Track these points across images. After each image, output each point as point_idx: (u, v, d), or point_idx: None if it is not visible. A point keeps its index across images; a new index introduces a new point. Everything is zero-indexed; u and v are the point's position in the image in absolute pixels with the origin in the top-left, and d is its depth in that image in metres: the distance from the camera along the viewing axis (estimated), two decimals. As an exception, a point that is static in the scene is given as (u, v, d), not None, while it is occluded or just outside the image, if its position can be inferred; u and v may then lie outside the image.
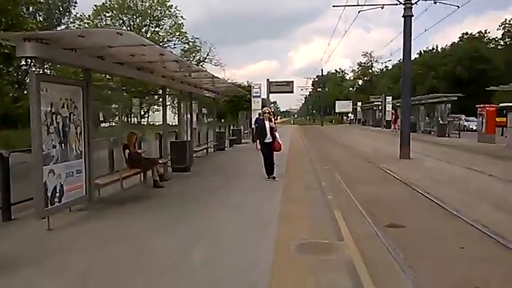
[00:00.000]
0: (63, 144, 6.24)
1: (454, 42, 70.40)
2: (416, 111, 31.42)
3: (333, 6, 18.17)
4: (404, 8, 15.04)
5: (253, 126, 19.16)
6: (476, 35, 69.70)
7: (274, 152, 10.37)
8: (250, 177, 10.87)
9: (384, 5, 15.99)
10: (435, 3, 15.27)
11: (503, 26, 61.85)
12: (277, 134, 10.41)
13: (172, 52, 14.62)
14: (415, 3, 15.00)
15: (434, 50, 71.02)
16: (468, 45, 64.67)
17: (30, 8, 50.34)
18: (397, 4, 15.25)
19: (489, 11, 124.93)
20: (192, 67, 11.72)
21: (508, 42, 60.89)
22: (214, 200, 8.07)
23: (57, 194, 6.11)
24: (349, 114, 65.85)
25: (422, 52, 71.29)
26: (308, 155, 16.53)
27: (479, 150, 17.59)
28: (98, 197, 7.95)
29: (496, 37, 64.90)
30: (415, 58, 76.59)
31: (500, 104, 26.17)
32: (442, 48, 71.56)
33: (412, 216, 7.06)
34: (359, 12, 17.05)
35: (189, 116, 13.47)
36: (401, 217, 6.97)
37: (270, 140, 10.22)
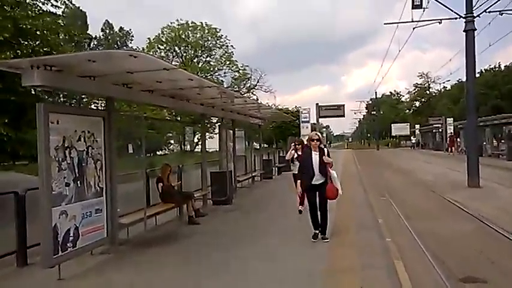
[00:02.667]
0: (78, 182, 5.60)
1: (522, 58, 65.69)
2: (481, 133, 28.78)
3: (385, 23, 17.30)
4: (465, 22, 13.54)
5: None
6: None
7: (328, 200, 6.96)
8: (296, 211, 9.77)
9: (441, 19, 14.56)
10: (501, 14, 13.65)
11: None
12: (333, 173, 6.89)
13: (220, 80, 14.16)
14: (478, 15, 13.48)
15: (496, 69, 66.50)
16: (537, 60, 59.96)
17: (91, 44, 53.66)
18: (456, 18, 13.79)
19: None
20: (232, 93, 11.01)
21: None
22: (250, 244, 7.00)
23: (71, 238, 5.44)
24: (412, 138, 62.41)
25: (483, 71, 66.94)
26: (362, 184, 15.12)
27: None
28: (127, 237, 7.28)
29: None
30: (476, 78, 71.90)
31: None
32: (505, 66, 66.91)
33: (494, 267, 5.62)
34: (414, 29, 15.57)
35: (231, 143, 12.71)
36: (479, 267, 5.58)
37: (321, 181, 6.82)
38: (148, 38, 53.51)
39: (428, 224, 8.26)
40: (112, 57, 5.66)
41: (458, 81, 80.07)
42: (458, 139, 38.56)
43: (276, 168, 20.64)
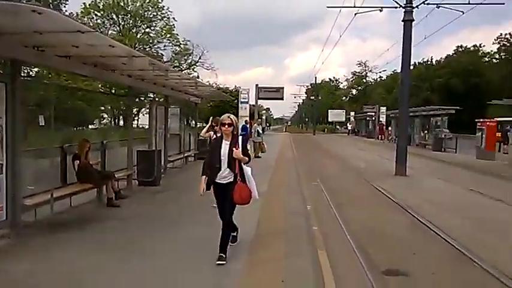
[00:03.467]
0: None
1: (449, 55, 69.95)
2: (411, 123, 30.22)
3: (327, 7, 16.93)
4: (404, 12, 13.80)
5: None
6: (471, 48, 69.33)
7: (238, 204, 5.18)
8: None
9: (382, 7, 14.81)
10: (438, 7, 14.07)
11: (498, 40, 61.33)
12: (247, 170, 5.24)
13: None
14: (417, 7, 13.78)
15: (428, 62, 70.34)
16: (463, 58, 64.18)
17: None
18: (396, 7, 14.02)
19: (483, 26, 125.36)
20: (165, 66, 10.25)
21: (503, 57, 60.30)
22: (173, 230, 6.52)
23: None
24: (348, 124, 64.49)
25: (417, 64, 70.52)
26: (296, 168, 15.13)
27: (481, 168, 16.34)
28: (34, 220, 6.49)
29: (492, 50, 64.48)
30: (410, 69, 75.73)
31: (500, 119, 25.04)
32: (436, 60, 71.04)
33: (416, 259, 5.64)
34: (355, 14, 15.66)
35: (163, 121, 12.01)
36: (402, 259, 5.58)
37: (229, 180, 5.13)
38: (84, 3, 49.85)
39: (356, 212, 8.31)
40: (19, 12, 4.77)
41: (393, 72, 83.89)
42: (389, 128, 40.39)
43: (212, 149, 20.18)
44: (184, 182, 11.50)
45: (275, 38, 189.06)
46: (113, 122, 53.83)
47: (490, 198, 10.28)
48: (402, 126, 15.04)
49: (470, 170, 16.41)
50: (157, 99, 15.26)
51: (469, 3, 13.64)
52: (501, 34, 61.79)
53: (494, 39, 63.19)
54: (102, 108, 49.63)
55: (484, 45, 69.18)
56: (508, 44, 58.45)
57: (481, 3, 14.06)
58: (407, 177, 13.80)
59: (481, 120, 21.64)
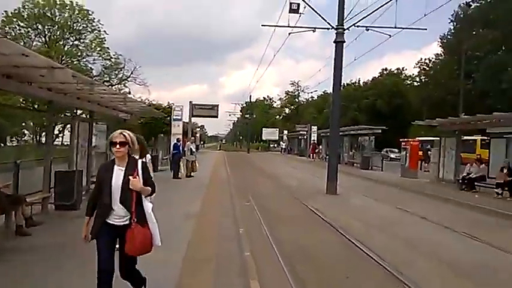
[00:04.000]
0: None
1: (375, 77, 74.43)
2: (340, 142, 31.33)
3: (262, 25, 17.14)
4: (336, 33, 14.27)
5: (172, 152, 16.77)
6: (395, 71, 74.46)
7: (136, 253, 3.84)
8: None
9: (315, 28, 15.18)
10: (367, 30, 14.72)
11: (419, 64, 66.37)
12: (148, 207, 3.87)
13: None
14: (347, 28, 14.29)
15: (356, 84, 74.24)
16: (388, 80, 68.55)
17: None
18: (328, 28, 14.45)
19: (405, 51, 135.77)
20: (90, 80, 9.53)
21: (423, 80, 65.23)
22: (88, 260, 5.80)
23: None
24: (281, 143, 65.55)
25: (345, 85, 74.14)
26: (229, 187, 14.82)
27: (405, 186, 17.16)
28: None
29: (413, 74, 69.62)
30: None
31: (421, 138, 26.76)
32: (364, 82, 75.30)
33: (350, 283, 5.54)
34: (289, 34, 15.92)
35: (86, 138, 11.15)
36: (336, 283, 5.46)
37: (125, 221, 3.76)
38: (5, 11, 46.41)
39: (289, 233, 8.17)
40: None
41: (323, 92, 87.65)
42: (320, 146, 41.65)
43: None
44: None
45: (211, 56, 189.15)
46: (35, 139, 50.16)
47: (415, 216, 10.69)
48: (333, 145, 15.40)
49: (396, 188, 17.17)
50: (84, 115, 14.31)
51: (395, 27, 14.46)
52: (421, 59, 67.04)
53: (415, 63, 68.41)
54: (24, 124, 46.10)
55: (406, 69, 74.81)
56: (427, 68, 63.37)
57: (407, 28, 14.98)
58: (337, 196, 14.06)
59: (405, 139, 22.93)
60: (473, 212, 11.47)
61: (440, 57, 61.35)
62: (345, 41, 14.47)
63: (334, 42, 14.41)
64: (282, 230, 8.41)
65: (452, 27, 54.69)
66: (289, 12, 14.98)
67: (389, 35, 15.19)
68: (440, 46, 60.09)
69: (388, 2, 14.37)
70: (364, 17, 14.71)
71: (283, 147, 56.90)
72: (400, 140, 23.36)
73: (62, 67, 7.48)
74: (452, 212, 11.67)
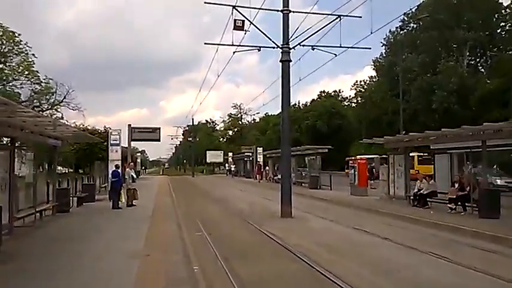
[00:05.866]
0: None
1: (314, 100, 76.37)
2: (288, 162, 31.04)
3: (205, 43, 16.72)
4: (282, 53, 13.82)
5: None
6: (332, 93, 77.04)
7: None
8: (94, 260, 7.52)
9: (260, 47, 14.63)
10: (313, 49, 14.41)
11: (355, 86, 69.07)
12: None
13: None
14: (293, 47, 13.91)
15: (296, 105, 75.60)
16: (327, 102, 70.60)
17: None
18: (274, 47, 13.97)
19: (340, 75, 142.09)
20: (6, 100, 8.03)
21: (359, 101, 67.81)
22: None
23: None
24: (226, 165, 64.27)
25: (287, 107, 75.14)
26: (177, 218, 13.56)
27: (358, 205, 16.79)
28: None
29: (350, 95, 72.34)
30: (280, 113, 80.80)
31: (366, 156, 27.08)
32: (303, 104, 76.98)
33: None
34: (234, 53, 15.27)
35: (6, 169, 9.55)
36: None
37: None
38: None
39: (250, 268, 7.23)
40: None
41: (265, 114, 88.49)
42: (267, 167, 41.17)
43: (76, 199, 17.40)
44: (36, 245, 9.14)
45: (150, 80, 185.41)
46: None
47: (376, 237, 10.17)
48: (285, 164, 14.70)
49: (349, 207, 16.76)
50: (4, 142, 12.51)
51: (340, 46, 14.27)
52: (357, 81, 70.04)
53: (352, 85, 71.32)
54: None
55: (343, 91, 77.71)
56: (363, 90, 66.01)
57: (352, 47, 14.87)
58: (293, 219, 13.33)
59: (352, 158, 22.93)
60: (433, 229, 11.15)
61: (373, 80, 64.35)
62: (291, 60, 14.07)
63: (281, 61, 13.97)
64: (242, 264, 7.44)
65: (384, 51, 57.57)
66: (234, 29, 14.28)
67: (335, 54, 15.02)
68: (373, 69, 63.11)
69: (332, 22, 14.20)
70: (309, 37, 14.47)
71: (229, 169, 55.39)
72: (347, 158, 23.34)
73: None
74: (411, 230, 11.28)
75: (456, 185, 13.31)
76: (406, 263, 7.64)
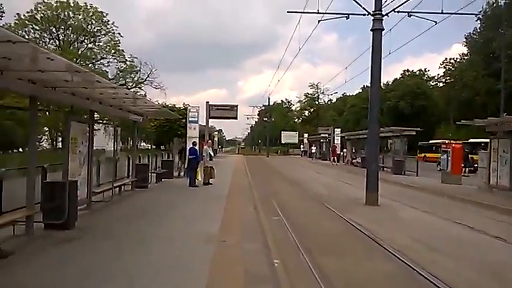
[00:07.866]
0: None
1: (397, 79, 71.65)
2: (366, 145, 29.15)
3: (288, 11, 15.40)
4: (373, 20, 12.29)
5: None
6: (417, 72, 71.58)
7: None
8: (167, 243, 7.04)
9: (349, 14, 13.17)
10: (409, 16, 12.66)
11: (444, 64, 63.45)
12: None
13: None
14: (386, 14, 12.30)
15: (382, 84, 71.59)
16: (410, 81, 65.83)
17: None
18: (364, 14, 12.49)
19: (425, 53, 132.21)
20: (88, 72, 7.72)
21: (448, 81, 62.37)
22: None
23: None
24: (301, 146, 62.97)
25: (365, 87, 71.47)
26: (253, 199, 12.91)
27: (453, 194, 14.92)
28: None
29: (438, 74, 66.71)
30: (359, 92, 77.40)
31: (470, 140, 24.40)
32: (385, 84, 72.51)
33: None
34: (319, 21, 14.01)
35: (85, 142, 9.42)
36: None
37: None
38: (18, 14, 45.74)
39: (336, 264, 6.24)
40: None
41: (343, 95, 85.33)
42: (344, 149, 39.37)
43: (155, 175, 17.54)
44: (111, 221, 8.94)
45: (228, 61, 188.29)
46: (50, 145, 49.29)
47: (483, 234, 8.62)
48: (372, 147, 13.29)
49: (441, 196, 14.96)
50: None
51: (442, 13, 12.37)
52: (446, 59, 64.17)
53: (440, 64, 65.55)
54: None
55: (429, 70, 71.84)
56: (453, 69, 60.52)
57: (455, 13, 12.85)
58: (379, 207, 12.05)
59: (446, 141, 20.68)
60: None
61: (465, 58, 58.63)
62: (383, 29, 12.50)
63: (371, 30, 12.46)
64: (327, 258, 6.47)
65: (478, 26, 52.00)
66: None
67: (435, 22, 13.12)
68: (465, 45, 57.42)
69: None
70: (404, 2, 12.70)
71: (313, 151, 53.38)
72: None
73: (44, 52, 5.71)
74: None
75: None
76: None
